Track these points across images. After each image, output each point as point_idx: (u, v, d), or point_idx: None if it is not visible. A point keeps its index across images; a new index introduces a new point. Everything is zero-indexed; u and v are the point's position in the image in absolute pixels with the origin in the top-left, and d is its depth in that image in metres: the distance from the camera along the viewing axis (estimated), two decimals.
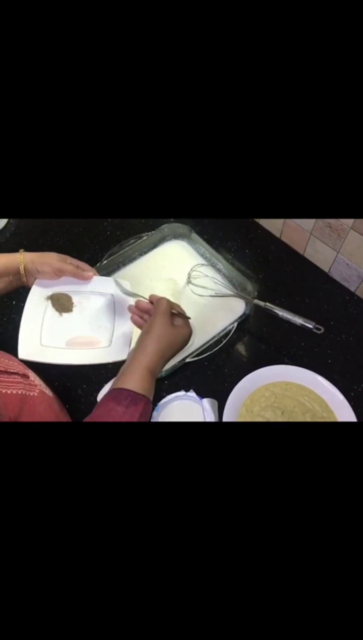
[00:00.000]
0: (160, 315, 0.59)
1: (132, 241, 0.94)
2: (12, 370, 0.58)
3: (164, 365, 0.59)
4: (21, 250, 0.67)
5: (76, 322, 0.71)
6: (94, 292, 0.74)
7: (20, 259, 0.66)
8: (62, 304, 0.71)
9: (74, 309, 0.72)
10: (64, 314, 0.71)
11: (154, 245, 0.96)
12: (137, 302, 0.66)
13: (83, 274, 0.70)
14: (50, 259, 0.67)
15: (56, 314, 0.70)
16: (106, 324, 0.72)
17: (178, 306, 0.64)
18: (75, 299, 0.72)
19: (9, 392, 0.53)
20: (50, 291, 0.70)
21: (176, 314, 0.62)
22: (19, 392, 0.56)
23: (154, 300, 0.63)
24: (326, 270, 0.90)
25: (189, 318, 0.64)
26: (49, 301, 0.70)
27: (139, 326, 0.64)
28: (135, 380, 0.53)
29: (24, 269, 0.66)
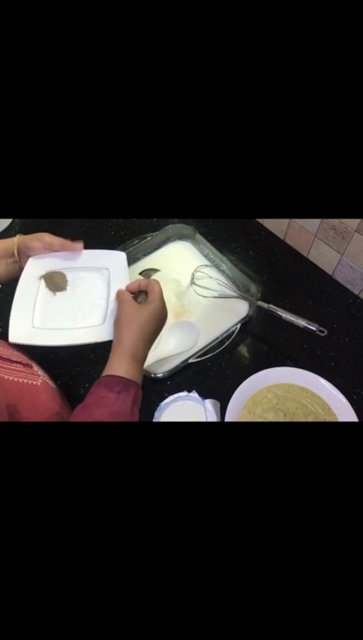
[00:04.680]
0: (123, 304, 0.61)
1: (136, 241, 0.94)
2: (14, 359, 0.58)
3: (147, 346, 0.59)
4: (18, 234, 0.67)
5: (69, 301, 0.69)
6: (89, 268, 0.71)
7: (15, 240, 0.66)
8: (56, 282, 0.69)
9: (67, 287, 0.70)
10: (58, 294, 0.69)
11: (158, 245, 0.96)
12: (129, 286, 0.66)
13: (73, 245, 0.69)
14: (41, 235, 0.67)
15: (49, 294, 0.68)
16: (100, 301, 0.69)
17: (154, 283, 0.63)
18: (69, 277, 0.70)
19: (10, 378, 0.54)
20: (42, 271, 0.68)
21: (140, 294, 0.64)
22: (20, 380, 0.56)
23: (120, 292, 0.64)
24: (330, 272, 0.90)
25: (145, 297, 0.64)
26: (42, 281, 0.68)
27: None
28: (122, 369, 0.54)
29: (17, 251, 0.66)
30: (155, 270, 0.87)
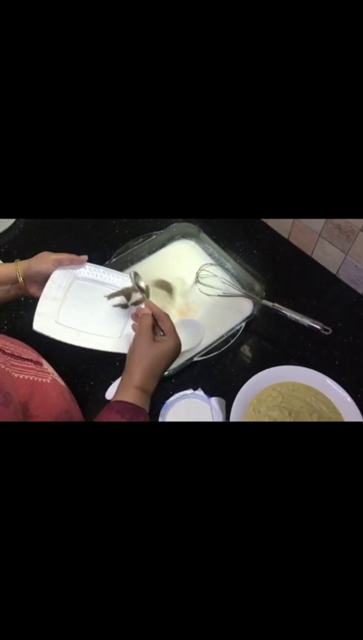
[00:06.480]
0: (140, 335, 0.59)
1: (141, 240, 0.94)
2: (25, 357, 0.59)
3: (156, 381, 0.59)
4: (16, 260, 0.67)
5: (92, 308, 0.72)
6: (114, 286, 0.75)
7: (17, 268, 0.65)
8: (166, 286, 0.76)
9: (95, 298, 0.73)
10: (83, 300, 0.71)
11: (163, 244, 0.96)
12: (138, 309, 0.66)
13: (79, 257, 0.70)
14: (43, 255, 0.67)
15: (76, 297, 0.71)
16: (119, 317, 0.72)
17: (165, 317, 0.63)
18: (98, 288, 0.73)
19: (20, 376, 0.54)
20: (72, 275, 0.71)
21: (160, 328, 0.62)
22: (30, 377, 0.56)
23: (138, 317, 0.63)
24: (334, 272, 0.90)
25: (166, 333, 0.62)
26: (72, 284, 0.71)
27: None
28: (130, 397, 0.55)
29: (23, 278, 0.65)
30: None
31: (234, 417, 0.69)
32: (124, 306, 0.72)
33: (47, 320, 0.67)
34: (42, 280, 0.67)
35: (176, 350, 0.61)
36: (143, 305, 0.68)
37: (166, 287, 0.87)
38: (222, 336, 0.81)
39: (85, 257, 0.71)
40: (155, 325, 0.62)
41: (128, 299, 0.73)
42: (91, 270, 0.73)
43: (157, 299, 0.87)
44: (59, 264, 0.67)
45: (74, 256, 0.69)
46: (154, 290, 0.87)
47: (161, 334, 0.62)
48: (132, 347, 0.59)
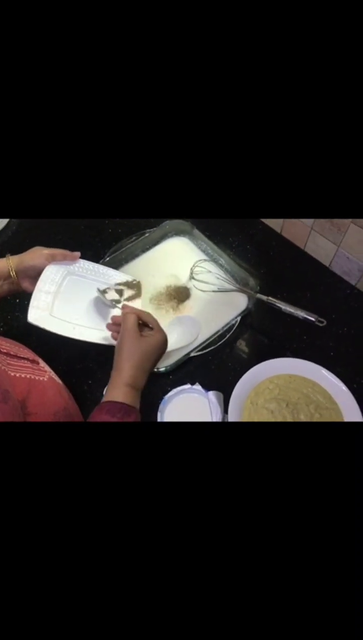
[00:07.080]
0: (126, 332, 0.59)
1: (134, 238, 0.94)
2: (21, 356, 0.59)
3: (145, 376, 0.59)
4: (8, 254, 0.67)
5: (87, 302, 0.73)
6: (106, 282, 0.76)
7: (9, 263, 0.65)
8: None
9: (88, 293, 0.74)
10: (78, 295, 0.72)
11: (156, 242, 0.97)
12: (112, 318, 0.67)
13: (72, 254, 0.71)
14: (38, 250, 0.68)
15: (71, 291, 0.71)
16: (113, 313, 0.73)
17: (148, 315, 0.64)
18: (92, 283, 0.75)
19: (17, 375, 0.54)
20: (65, 270, 0.71)
21: (144, 324, 0.63)
22: (27, 376, 0.57)
23: (121, 317, 0.63)
24: (327, 264, 0.91)
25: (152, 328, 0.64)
26: (67, 278, 0.72)
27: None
28: (122, 396, 0.55)
29: (15, 272, 0.65)
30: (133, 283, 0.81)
31: (232, 411, 0.69)
32: (116, 301, 0.72)
33: (41, 313, 0.67)
34: (35, 274, 0.67)
35: (164, 344, 0.62)
36: (118, 312, 0.67)
37: (178, 295, 0.89)
38: (218, 331, 0.82)
39: (78, 253, 0.72)
40: (139, 323, 0.62)
41: (120, 294, 0.74)
42: (83, 266, 0.73)
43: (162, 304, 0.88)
44: (52, 259, 0.68)
45: (67, 252, 0.70)
46: (163, 299, 0.89)
47: (148, 329, 0.62)
48: (120, 345, 0.59)
